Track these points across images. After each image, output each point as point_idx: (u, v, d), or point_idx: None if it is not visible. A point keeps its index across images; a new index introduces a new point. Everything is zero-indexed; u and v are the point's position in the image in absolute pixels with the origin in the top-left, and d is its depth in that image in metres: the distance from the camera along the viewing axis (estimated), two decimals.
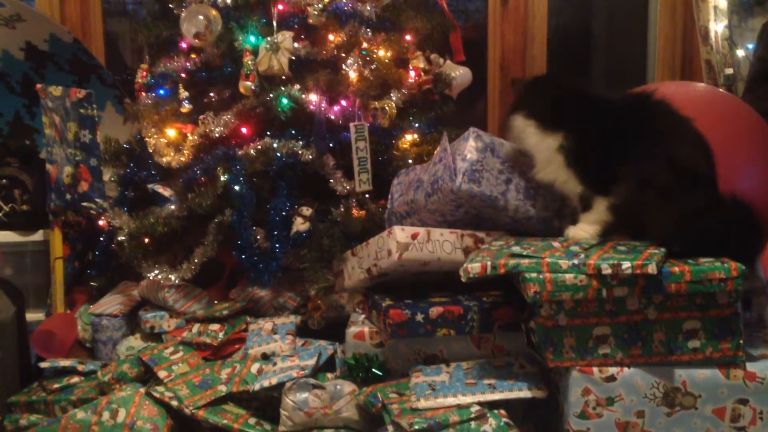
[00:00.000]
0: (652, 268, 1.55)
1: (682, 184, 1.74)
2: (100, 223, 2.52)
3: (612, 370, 1.62)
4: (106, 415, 1.89)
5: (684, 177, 1.75)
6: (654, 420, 1.62)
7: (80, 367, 2.16)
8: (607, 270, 1.57)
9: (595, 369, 1.63)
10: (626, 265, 1.56)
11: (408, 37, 2.57)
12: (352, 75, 2.38)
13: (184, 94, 2.41)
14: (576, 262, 1.60)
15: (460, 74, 2.78)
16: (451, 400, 1.68)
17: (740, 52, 3.10)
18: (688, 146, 1.80)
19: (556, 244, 1.76)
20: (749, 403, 1.61)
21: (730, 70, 3.09)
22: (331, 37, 2.43)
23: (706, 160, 1.81)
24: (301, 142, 2.33)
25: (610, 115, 1.90)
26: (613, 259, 1.59)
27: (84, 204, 2.43)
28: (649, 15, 3.65)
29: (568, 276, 1.60)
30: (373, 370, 1.88)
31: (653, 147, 1.79)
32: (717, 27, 3.13)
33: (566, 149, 1.89)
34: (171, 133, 2.43)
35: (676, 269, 1.58)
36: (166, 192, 2.38)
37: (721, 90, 2.88)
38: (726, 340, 1.61)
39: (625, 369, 1.62)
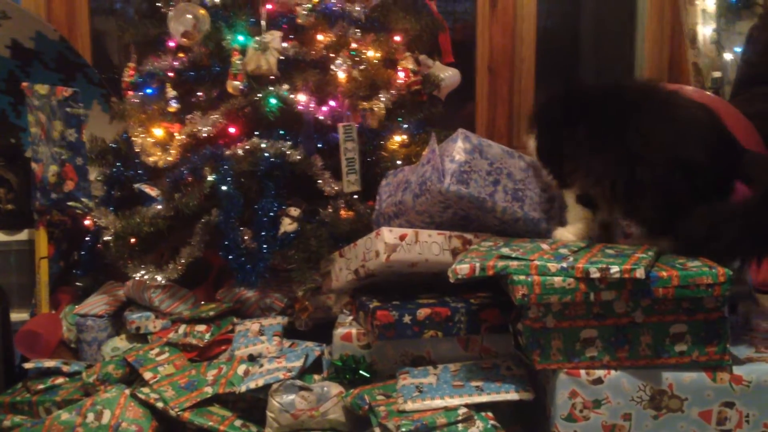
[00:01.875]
0: (640, 273, 1.55)
1: (638, 177, 1.74)
2: (86, 222, 2.50)
3: (599, 372, 1.62)
4: (90, 416, 1.88)
5: (644, 169, 1.74)
6: (641, 423, 1.62)
7: (65, 368, 2.14)
8: (595, 274, 1.57)
9: (582, 371, 1.63)
10: (614, 269, 1.56)
11: (397, 38, 2.57)
12: (341, 75, 2.38)
13: (171, 93, 2.40)
14: (564, 265, 1.60)
15: (448, 75, 2.79)
16: (438, 402, 1.67)
17: (728, 56, 3.12)
18: (650, 138, 1.76)
19: (544, 246, 1.75)
20: (735, 406, 1.61)
21: (717, 73, 3.11)
22: (320, 37, 2.43)
23: (684, 149, 1.74)
24: (289, 143, 2.32)
25: (577, 110, 1.91)
26: (601, 262, 1.59)
27: (69, 203, 2.42)
28: (637, 18, 3.66)
29: (557, 279, 1.60)
30: (360, 371, 1.88)
31: (607, 138, 1.80)
32: (705, 30, 3.15)
33: (537, 149, 1.96)
34: (158, 132, 2.42)
35: (664, 274, 1.58)
36: (152, 192, 2.36)
37: (708, 93, 2.89)
38: (712, 344, 1.61)
39: (612, 372, 1.63)
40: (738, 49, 3.08)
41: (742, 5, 3.16)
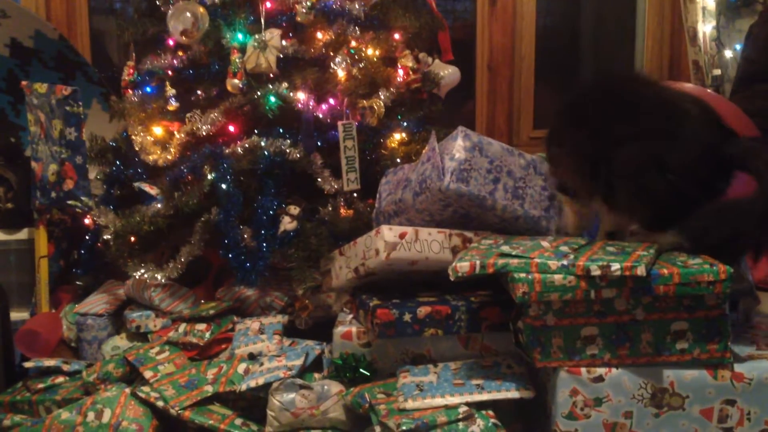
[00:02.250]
0: (641, 270, 1.54)
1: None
2: (86, 221, 2.50)
3: (600, 370, 1.62)
4: (91, 415, 1.88)
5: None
6: (642, 421, 1.62)
7: (65, 367, 2.14)
8: (596, 271, 1.57)
9: (582, 369, 1.62)
10: (615, 266, 1.56)
11: (396, 36, 2.57)
12: (341, 73, 2.38)
13: (170, 91, 2.40)
14: (565, 262, 1.60)
15: (448, 73, 2.78)
16: (438, 401, 1.67)
17: (728, 53, 3.12)
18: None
19: (545, 243, 1.75)
20: (737, 403, 1.61)
21: (717, 71, 3.11)
22: (319, 35, 2.42)
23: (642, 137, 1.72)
24: (288, 141, 2.32)
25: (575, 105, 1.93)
26: (602, 260, 1.59)
27: (69, 202, 2.41)
28: (637, 15, 3.66)
29: (557, 277, 1.59)
30: (361, 370, 1.87)
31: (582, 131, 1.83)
32: (705, 28, 3.15)
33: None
34: (157, 131, 2.42)
35: (665, 271, 1.58)
36: (152, 190, 2.36)
37: (708, 90, 2.89)
38: (713, 342, 1.61)
39: (613, 369, 1.62)
40: (738, 47, 3.08)
41: (741, 3, 3.16)
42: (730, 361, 1.61)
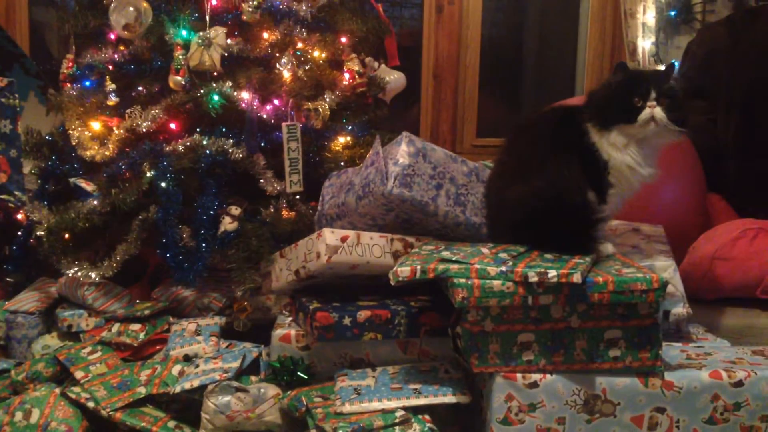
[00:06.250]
0: (576, 278, 1.57)
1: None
2: (18, 216, 2.44)
3: (535, 376, 1.64)
4: (18, 415, 1.83)
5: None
6: (574, 426, 1.64)
7: None
8: (533, 278, 1.59)
9: (518, 375, 1.64)
10: (552, 273, 1.58)
11: (343, 39, 2.58)
12: (286, 74, 2.37)
13: (110, 86, 2.36)
14: (504, 269, 1.62)
15: (394, 78, 2.80)
16: (376, 405, 1.67)
17: None
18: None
19: (485, 250, 1.77)
20: (666, 411, 1.64)
21: None
22: (265, 35, 2.42)
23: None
24: (231, 140, 2.30)
25: None
26: (539, 267, 1.61)
27: (2, 196, 2.35)
28: (579, 30, 3.74)
29: (496, 282, 1.61)
30: (299, 373, 1.86)
31: None
32: (644, 44, 3.22)
33: None
34: (96, 126, 2.37)
35: (600, 279, 1.60)
36: (88, 186, 2.32)
37: None
38: (645, 350, 1.64)
39: (548, 376, 1.64)
40: (676, 63, 3.16)
41: (681, 20, 3.24)
42: (660, 370, 1.65)
